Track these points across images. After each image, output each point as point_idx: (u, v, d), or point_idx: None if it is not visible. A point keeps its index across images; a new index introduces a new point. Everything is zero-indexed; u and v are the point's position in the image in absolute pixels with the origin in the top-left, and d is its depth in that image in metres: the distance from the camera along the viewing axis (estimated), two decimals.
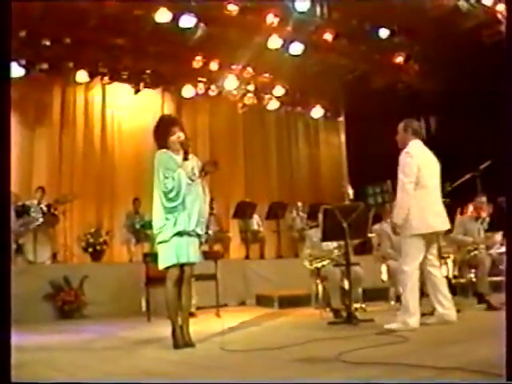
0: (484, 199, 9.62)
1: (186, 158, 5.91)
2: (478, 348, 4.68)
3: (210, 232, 12.23)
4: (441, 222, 6.80)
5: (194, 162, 6.00)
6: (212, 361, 5.08)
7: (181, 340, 5.77)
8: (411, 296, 6.48)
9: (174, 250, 5.76)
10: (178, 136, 5.99)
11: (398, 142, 7.00)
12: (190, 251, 5.82)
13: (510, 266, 3.94)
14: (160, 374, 4.56)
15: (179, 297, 5.88)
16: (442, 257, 8.49)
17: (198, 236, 5.96)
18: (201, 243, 6.08)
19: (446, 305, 6.71)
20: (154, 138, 6.19)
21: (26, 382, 4.21)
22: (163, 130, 6.11)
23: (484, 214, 9.70)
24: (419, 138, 6.90)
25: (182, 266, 5.84)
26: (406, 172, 6.60)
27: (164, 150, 5.98)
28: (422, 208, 6.57)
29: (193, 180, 5.87)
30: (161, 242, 5.84)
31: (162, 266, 5.88)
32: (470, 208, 9.99)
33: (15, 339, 7.08)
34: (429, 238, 6.73)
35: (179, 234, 5.77)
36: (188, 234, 5.82)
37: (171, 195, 5.75)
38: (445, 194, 8.57)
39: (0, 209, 3.67)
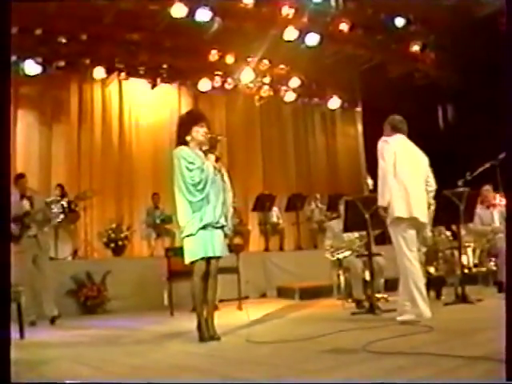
0: (489, 187, 9.62)
1: (212, 152, 5.95)
2: (501, 337, 4.67)
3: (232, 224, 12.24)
4: (420, 211, 6.58)
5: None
6: (239, 353, 5.10)
7: (206, 333, 5.78)
8: (414, 287, 6.39)
9: (202, 244, 5.77)
10: (204, 131, 6.00)
11: None
12: (216, 245, 5.84)
13: (509, 267, 3.91)
14: (188, 367, 4.59)
15: (205, 290, 5.92)
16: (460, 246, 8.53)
17: (223, 228, 5.97)
18: (225, 235, 6.09)
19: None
20: (177, 129, 6.17)
21: (26, 382, 4.23)
22: (192, 118, 6.14)
23: (494, 201, 9.71)
24: (401, 133, 6.82)
25: (208, 259, 5.86)
26: (384, 157, 6.55)
27: (183, 147, 5.96)
28: (401, 192, 6.45)
29: (216, 174, 5.90)
30: (187, 236, 5.83)
31: (188, 260, 5.87)
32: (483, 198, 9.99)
33: (40, 335, 7.21)
34: (415, 226, 6.57)
35: (205, 227, 5.78)
36: (213, 226, 5.84)
37: (199, 187, 5.76)
38: (465, 184, 8.60)
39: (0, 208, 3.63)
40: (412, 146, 6.84)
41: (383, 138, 6.72)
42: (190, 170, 5.79)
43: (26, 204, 8.67)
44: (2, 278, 3.56)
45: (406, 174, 6.55)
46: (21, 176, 8.93)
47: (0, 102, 3.62)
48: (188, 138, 5.99)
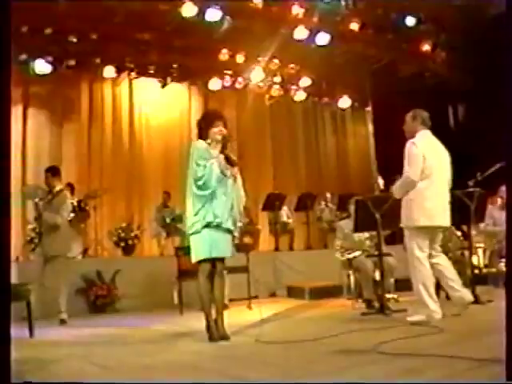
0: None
1: (223, 152, 5.96)
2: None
3: (240, 224, 12.22)
4: (442, 217, 6.61)
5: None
6: (249, 353, 5.10)
7: (215, 333, 5.79)
8: (423, 287, 6.37)
9: (207, 244, 5.80)
10: (220, 129, 6.04)
11: (405, 132, 6.86)
12: (221, 245, 5.87)
13: (509, 269, 3.87)
14: (197, 367, 4.58)
15: (212, 290, 5.92)
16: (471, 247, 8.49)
17: (230, 231, 5.98)
18: (233, 237, 6.10)
19: (456, 287, 6.59)
20: (197, 127, 6.25)
21: (26, 382, 4.23)
22: (208, 121, 6.16)
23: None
24: (428, 128, 6.75)
25: (213, 259, 5.88)
26: (410, 163, 6.50)
27: (201, 141, 6.04)
28: (424, 200, 6.42)
29: (225, 175, 5.90)
30: (193, 233, 5.88)
31: (194, 259, 5.93)
32: (499, 198, 9.93)
33: (49, 334, 7.21)
34: (431, 232, 6.59)
35: (209, 226, 5.81)
36: (218, 227, 5.85)
37: (199, 183, 5.80)
38: (475, 184, 8.53)
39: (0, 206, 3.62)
40: (438, 144, 6.78)
41: (412, 141, 6.59)
42: (198, 165, 5.83)
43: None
44: (2, 277, 3.52)
45: (432, 177, 6.49)
46: (47, 169, 8.85)
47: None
48: (208, 141, 6.04)
